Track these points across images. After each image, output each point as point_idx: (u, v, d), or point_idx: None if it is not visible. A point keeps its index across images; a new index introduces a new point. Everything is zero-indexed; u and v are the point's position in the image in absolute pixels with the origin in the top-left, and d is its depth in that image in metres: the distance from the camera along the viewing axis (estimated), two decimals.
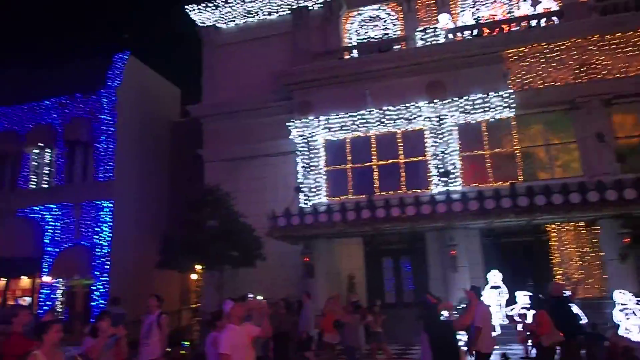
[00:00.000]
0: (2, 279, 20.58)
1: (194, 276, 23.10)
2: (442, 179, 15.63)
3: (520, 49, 15.74)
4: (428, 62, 16.25)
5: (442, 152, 15.89)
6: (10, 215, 20.15)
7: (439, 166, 15.84)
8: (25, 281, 20.61)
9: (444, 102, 15.86)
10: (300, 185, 16.90)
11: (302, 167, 17.16)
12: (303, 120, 17.23)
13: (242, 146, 19.05)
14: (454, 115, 15.97)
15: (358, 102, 16.74)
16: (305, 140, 17.26)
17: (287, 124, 17.44)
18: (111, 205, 19.74)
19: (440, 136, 16.04)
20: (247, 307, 6.70)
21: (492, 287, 14.05)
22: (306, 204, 16.49)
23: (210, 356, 6.37)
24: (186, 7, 20.72)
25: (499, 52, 15.75)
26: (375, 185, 16.64)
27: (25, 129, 21.35)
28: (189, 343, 13.27)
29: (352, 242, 17.09)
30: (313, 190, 16.87)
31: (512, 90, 15.49)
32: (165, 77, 24.45)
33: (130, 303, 17.87)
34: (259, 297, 11.48)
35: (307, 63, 18.18)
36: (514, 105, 15.42)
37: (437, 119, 16.06)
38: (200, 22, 20.97)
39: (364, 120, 16.67)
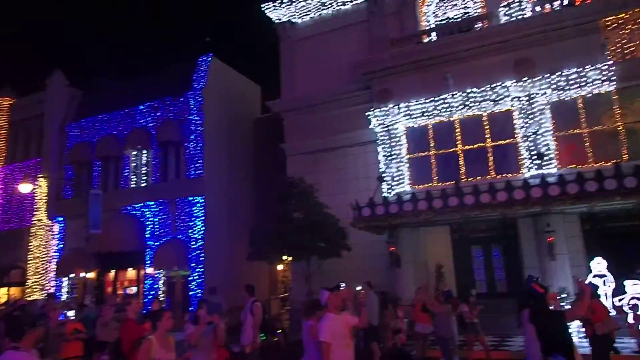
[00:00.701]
0: (112, 270, 22.57)
1: (280, 267, 23.79)
2: (535, 161, 14.72)
3: (620, 16, 14.35)
4: (515, 38, 15.36)
5: (534, 133, 14.95)
6: (115, 212, 21.91)
7: (531, 148, 14.92)
8: (131, 273, 22.42)
9: (534, 79, 14.89)
10: (383, 175, 16.72)
11: (384, 156, 16.95)
12: (383, 108, 16.98)
13: (322, 138, 19.21)
14: (545, 93, 14.95)
15: (439, 86, 16.21)
16: (386, 129, 17.00)
17: (366, 113, 17.30)
18: (202, 200, 20.82)
19: (530, 116, 15.08)
20: (342, 297, 6.74)
21: (595, 276, 13.09)
22: (389, 193, 16.31)
23: (308, 344, 6.47)
24: (262, 5, 21.21)
25: (595, 21, 14.50)
26: (461, 172, 16.04)
27: (124, 133, 23.13)
28: (281, 331, 13.69)
29: (439, 231, 16.65)
30: (396, 179, 16.62)
31: (611, 62, 14.20)
32: (245, 75, 25.27)
33: (224, 292, 18.79)
34: (358, 288, 11.46)
35: (384, 50, 17.89)
36: (614, 78, 14.12)
37: (527, 98, 15.12)
38: (276, 19, 21.35)
39: (447, 105, 16.09)
